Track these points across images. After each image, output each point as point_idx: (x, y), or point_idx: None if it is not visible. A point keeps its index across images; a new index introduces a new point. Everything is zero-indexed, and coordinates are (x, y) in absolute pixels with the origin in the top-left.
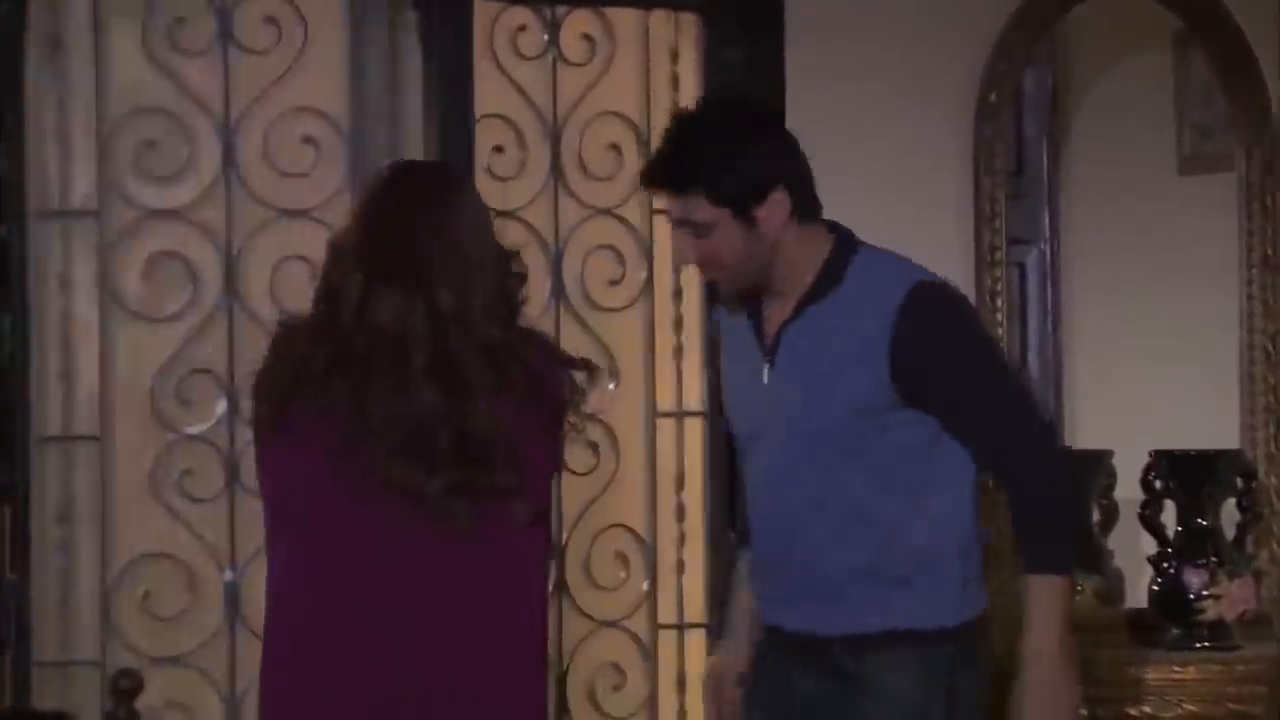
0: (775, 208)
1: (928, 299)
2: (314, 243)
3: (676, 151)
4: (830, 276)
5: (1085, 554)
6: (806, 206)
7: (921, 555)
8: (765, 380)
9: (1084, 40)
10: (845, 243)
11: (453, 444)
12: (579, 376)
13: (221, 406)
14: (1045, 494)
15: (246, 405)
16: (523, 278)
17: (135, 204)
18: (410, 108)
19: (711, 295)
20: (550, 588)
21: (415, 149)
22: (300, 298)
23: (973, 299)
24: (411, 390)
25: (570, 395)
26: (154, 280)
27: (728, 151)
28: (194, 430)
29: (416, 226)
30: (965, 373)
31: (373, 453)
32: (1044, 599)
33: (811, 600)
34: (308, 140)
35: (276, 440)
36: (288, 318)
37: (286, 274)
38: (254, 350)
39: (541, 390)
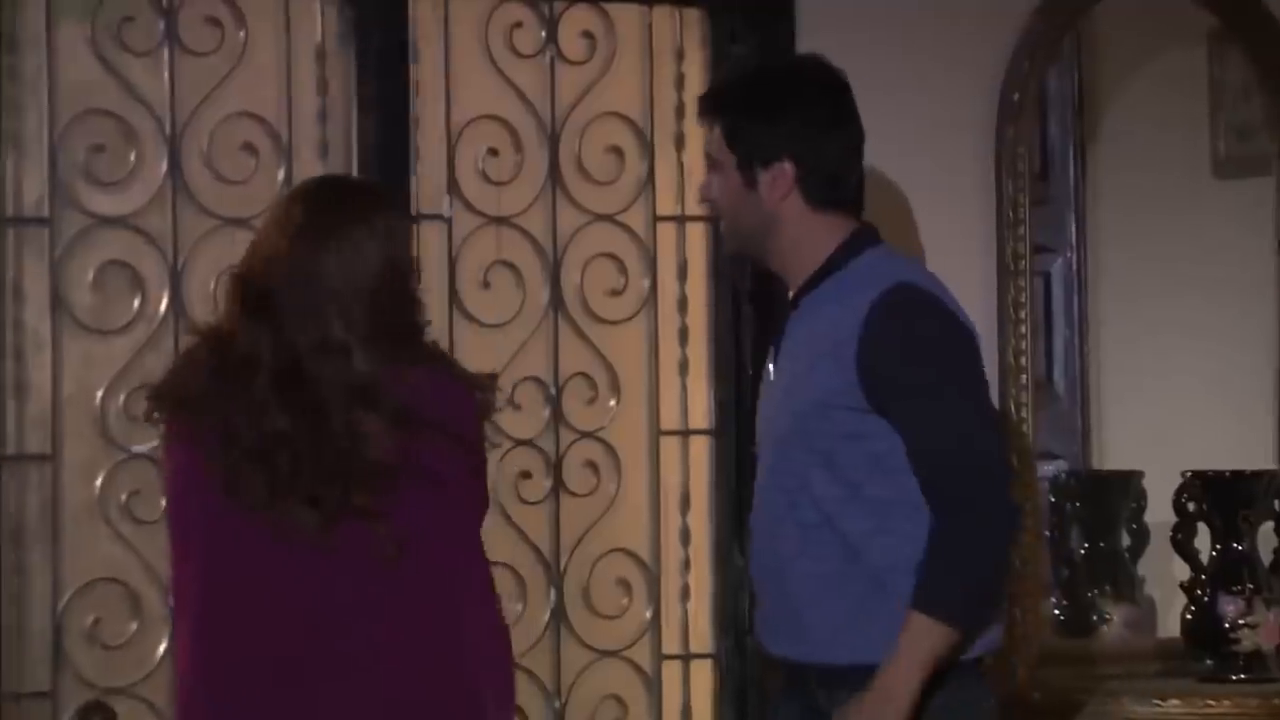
0: (777, 179)
1: (900, 301)
2: None
3: (726, 82)
4: (831, 267)
5: (980, 618)
6: (821, 193)
7: (883, 576)
8: (772, 378)
9: (1112, 37)
10: (860, 238)
11: (298, 464)
12: (486, 396)
13: None
14: (964, 535)
15: None
16: (416, 303)
17: (85, 211)
18: (343, 110)
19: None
20: (542, 615)
21: (348, 154)
22: None
23: (994, 310)
24: (262, 411)
25: (479, 415)
26: (104, 291)
27: (760, 103)
28: (141, 449)
29: (287, 260)
30: (919, 385)
31: (231, 460)
32: (916, 639)
33: (787, 620)
34: (246, 147)
35: (168, 448)
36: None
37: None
38: None
39: (443, 419)
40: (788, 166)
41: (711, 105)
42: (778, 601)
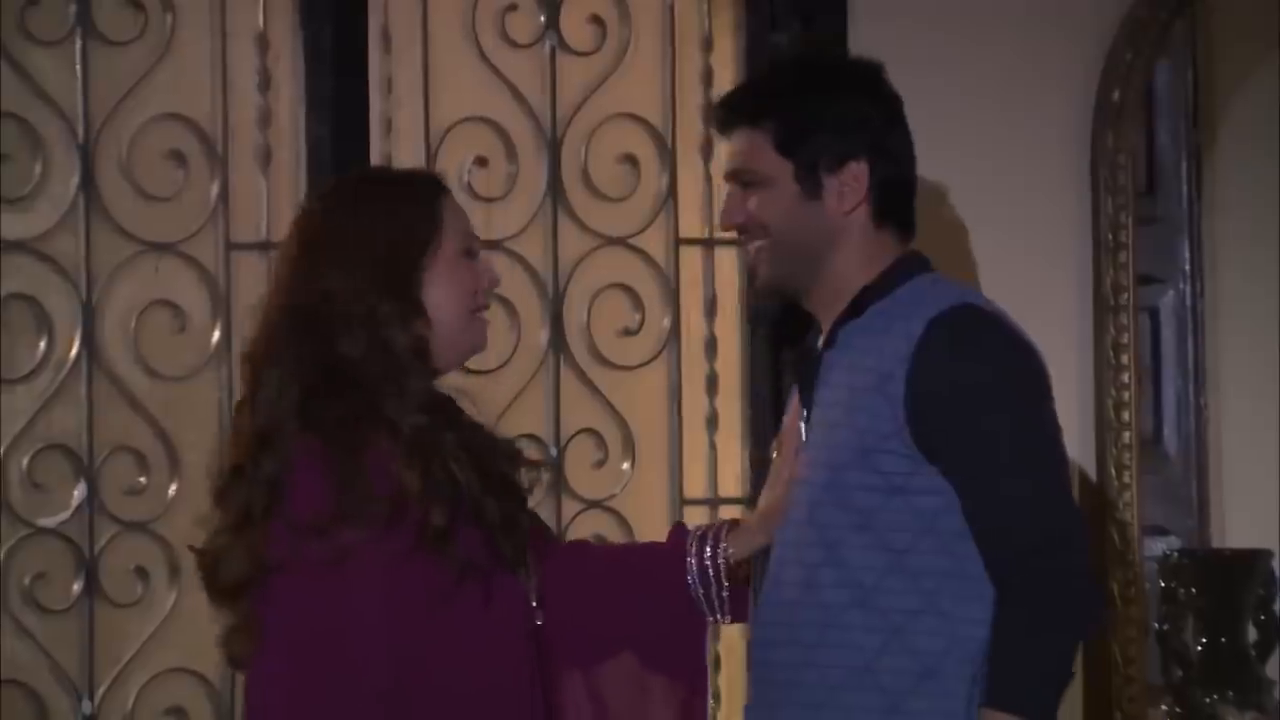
0: (850, 183)
1: (962, 324)
2: (181, 284)
3: (758, 80)
4: (875, 294)
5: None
6: (891, 202)
7: (926, 663)
8: (802, 437)
9: (1234, 23)
10: (911, 262)
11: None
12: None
13: (80, 492)
14: (1043, 613)
15: (106, 489)
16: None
17: None
18: (290, 112)
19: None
20: None
21: (295, 165)
22: (166, 352)
23: (1090, 354)
24: None
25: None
26: (4, 330)
27: (822, 94)
28: (48, 522)
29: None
30: (985, 427)
31: None
32: None
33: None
34: (173, 155)
35: None
36: None
37: (149, 323)
38: (115, 420)
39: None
40: (862, 168)
41: (754, 106)
42: (787, 702)
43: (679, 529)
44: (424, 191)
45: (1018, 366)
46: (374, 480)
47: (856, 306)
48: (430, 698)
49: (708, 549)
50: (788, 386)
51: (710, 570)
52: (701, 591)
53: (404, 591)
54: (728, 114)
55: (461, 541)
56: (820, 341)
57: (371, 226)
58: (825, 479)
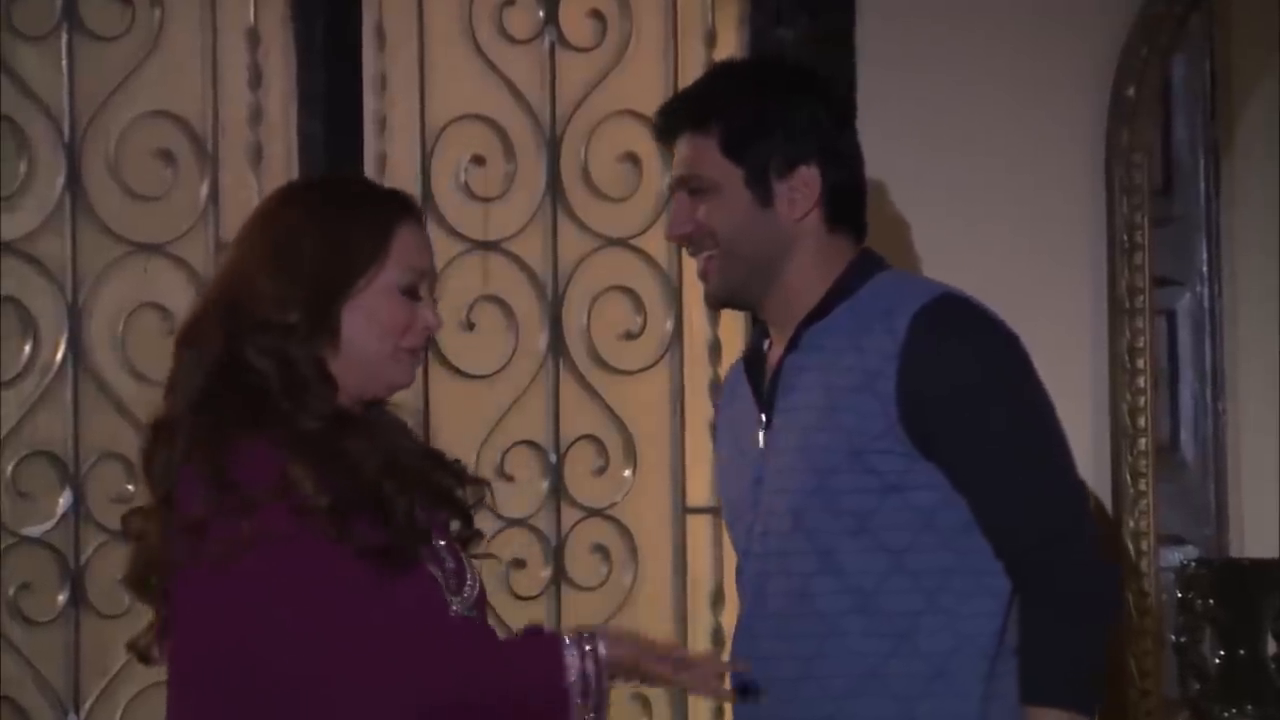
0: (802, 189)
1: (949, 315)
2: (170, 285)
3: (701, 84)
4: (840, 291)
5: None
6: (844, 205)
7: (935, 664)
8: (760, 444)
9: (1253, 15)
10: (870, 260)
11: None
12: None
13: (65, 500)
14: (1069, 605)
15: (93, 497)
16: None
17: None
18: (281, 108)
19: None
20: None
21: (287, 163)
22: (154, 356)
23: (1105, 358)
24: None
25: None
26: None
27: (768, 98)
28: (33, 531)
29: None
30: (987, 419)
31: None
32: None
33: None
34: (162, 154)
35: None
36: None
37: (137, 326)
38: (102, 425)
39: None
40: (813, 173)
41: (698, 110)
42: (787, 717)
43: (535, 629)
44: (381, 215)
45: (1007, 354)
46: (248, 471)
47: (824, 306)
48: (349, 692)
49: (587, 647)
50: None
51: (592, 671)
52: (580, 689)
53: (306, 576)
54: (670, 120)
55: (361, 535)
56: (766, 345)
57: (312, 238)
58: (812, 484)
